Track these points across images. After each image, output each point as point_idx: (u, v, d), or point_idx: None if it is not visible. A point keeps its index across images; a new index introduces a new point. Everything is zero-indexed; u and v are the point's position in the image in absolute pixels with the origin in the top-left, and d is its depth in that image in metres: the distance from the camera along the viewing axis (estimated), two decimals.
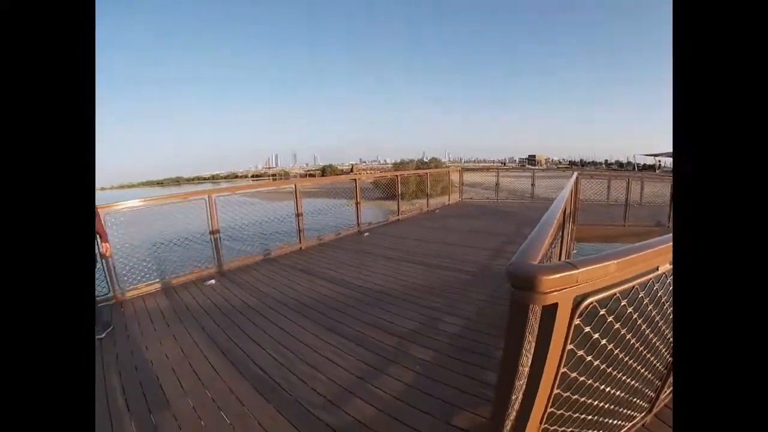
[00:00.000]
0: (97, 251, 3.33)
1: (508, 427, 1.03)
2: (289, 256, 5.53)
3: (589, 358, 1.05)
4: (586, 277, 0.82)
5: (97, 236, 3.29)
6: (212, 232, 4.87)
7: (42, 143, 0.59)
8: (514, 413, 1.01)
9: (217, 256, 4.90)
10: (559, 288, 0.79)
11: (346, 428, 1.90)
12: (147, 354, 2.84)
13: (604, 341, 1.06)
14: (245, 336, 2.99)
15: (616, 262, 0.86)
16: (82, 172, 0.63)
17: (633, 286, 0.98)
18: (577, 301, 0.87)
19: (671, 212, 6.82)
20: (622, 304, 0.99)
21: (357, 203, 7.10)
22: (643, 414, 1.64)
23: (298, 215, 5.91)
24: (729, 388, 0.64)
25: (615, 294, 0.94)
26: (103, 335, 3.14)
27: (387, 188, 8.97)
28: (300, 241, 5.97)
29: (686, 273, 0.73)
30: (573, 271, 0.79)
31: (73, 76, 0.63)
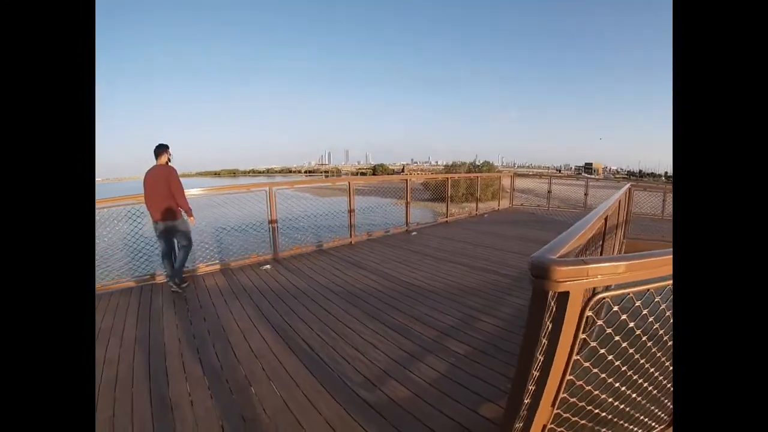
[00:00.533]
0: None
1: (524, 409, 1.17)
2: (340, 249, 5.83)
3: (602, 351, 1.17)
4: (596, 272, 0.95)
5: (183, 213, 3.96)
6: (270, 222, 5.26)
7: (42, 142, 0.59)
8: (530, 397, 1.15)
9: (274, 243, 5.30)
10: (571, 278, 0.93)
11: (381, 405, 2.09)
12: (205, 324, 3.22)
13: (617, 337, 1.17)
14: (295, 316, 3.29)
15: (626, 263, 0.98)
16: (82, 170, 0.63)
17: (648, 290, 1.09)
18: (589, 294, 1.00)
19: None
20: (637, 304, 1.10)
21: (407, 203, 7.29)
22: (662, 426, 1.66)
23: (350, 211, 6.20)
24: (730, 395, 0.64)
25: (629, 294, 1.05)
26: (185, 287, 4.06)
27: (437, 190, 9.10)
28: (351, 236, 6.26)
29: (686, 274, 0.77)
30: (583, 266, 0.93)
31: (73, 76, 0.62)
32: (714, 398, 0.66)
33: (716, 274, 0.67)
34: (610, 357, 1.24)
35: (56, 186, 0.60)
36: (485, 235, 6.86)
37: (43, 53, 0.59)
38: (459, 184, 14.90)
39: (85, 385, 0.62)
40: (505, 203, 11.25)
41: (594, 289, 1.05)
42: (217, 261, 5.00)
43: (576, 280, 0.93)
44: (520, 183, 12.30)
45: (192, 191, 4.63)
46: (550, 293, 0.96)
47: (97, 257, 4.48)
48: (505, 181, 11.84)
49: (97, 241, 4.44)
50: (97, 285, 4.36)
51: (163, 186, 3.78)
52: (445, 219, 8.53)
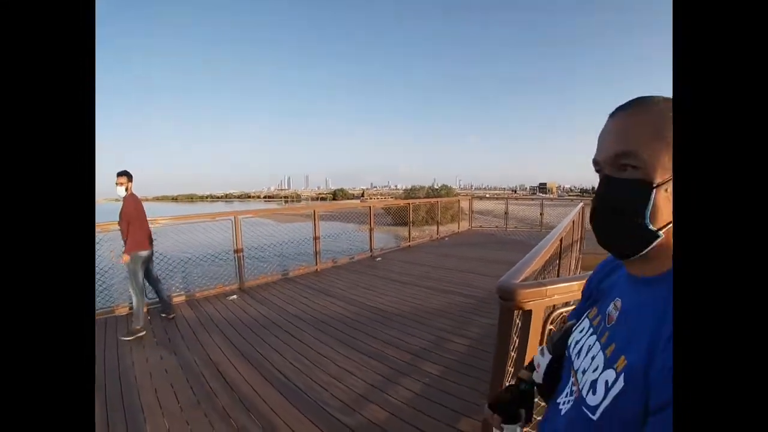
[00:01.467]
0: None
1: None
2: (306, 277, 5.85)
3: None
4: (553, 292, 1.12)
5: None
6: (236, 251, 5.23)
7: (42, 143, 0.59)
8: None
9: (240, 273, 5.26)
10: (533, 299, 1.10)
11: (362, 428, 2.16)
12: (175, 359, 3.17)
13: None
14: (267, 346, 3.29)
15: (578, 283, 1.16)
16: (82, 173, 0.62)
17: None
18: (549, 311, 1.17)
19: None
20: None
21: (371, 229, 7.44)
22: None
23: (315, 238, 6.26)
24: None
25: None
26: (173, 316, 4.09)
27: (398, 215, 9.31)
28: (316, 263, 6.29)
29: (687, 277, 0.68)
30: (542, 287, 1.10)
31: (73, 76, 0.61)
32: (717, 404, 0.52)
33: (721, 276, 0.55)
34: None
35: (56, 187, 0.60)
36: (447, 258, 7.10)
37: (43, 53, 0.58)
38: (419, 208, 15.26)
39: (85, 388, 0.60)
40: (464, 225, 11.65)
41: (554, 305, 1.22)
42: (182, 291, 4.93)
43: (537, 300, 1.10)
44: (478, 205, 12.80)
45: (160, 221, 4.69)
46: (516, 312, 1.13)
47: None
48: (464, 204, 12.30)
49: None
50: None
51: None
52: (408, 243, 8.73)
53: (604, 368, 0.55)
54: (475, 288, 4.95)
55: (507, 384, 1.22)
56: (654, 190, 0.52)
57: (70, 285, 0.60)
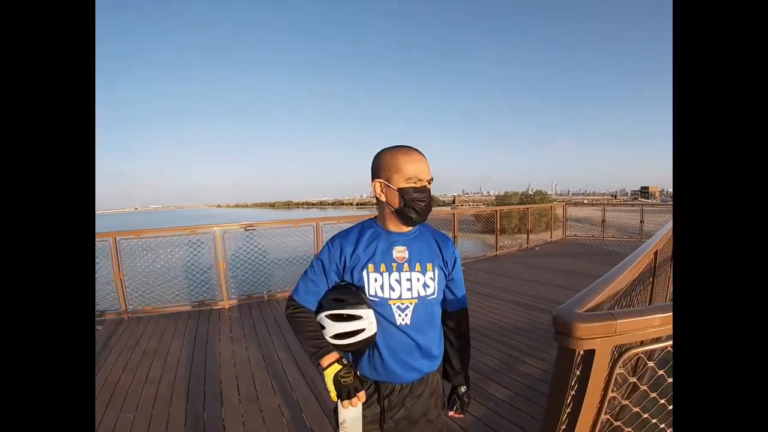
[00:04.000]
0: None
1: None
2: None
3: (636, 409, 1.05)
4: (626, 328, 0.87)
5: None
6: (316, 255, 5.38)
7: (42, 144, 0.59)
8: None
9: None
10: (597, 335, 0.86)
11: None
12: (246, 353, 3.37)
13: (653, 395, 1.05)
14: None
15: (661, 316, 0.89)
16: (82, 173, 0.63)
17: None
18: (619, 351, 0.92)
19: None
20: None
21: (455, 237, 7.18)
22: None
23: None
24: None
25: (666, 347, 0.95)
26: None
27: (489, 222, 8.85)
28: None
29: (687, 280, 0.71)
30: (611, 321, 0.86)
31: (73, 76, 0.62)
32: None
33: (720, 275, 0.63)
34: (646, 415, 1.11)
35: (56, 188, 0.60)
36: (535, 270, 6.58)
37: (43, 53, 0.59)
38: (511, 216, 14.59)
39: (85, 388, 0.61)
40: (557, 234, 10.78)
41: (626, 344, 0.96)
42: (264, 292, 5.29)
43: (603, 337, 0.86)
44: (573, 212, 11.78)
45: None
46: (576, 351, 0.89)
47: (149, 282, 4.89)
48: (558, 211, 11.43)
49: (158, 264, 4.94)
50: (147, 307, 4.74)
51: None
52: (495, 253, 8.28)
53: (425, 274, 1.13)
54: (559, 304, 4.43)
55: None
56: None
57: (70, 284, 0.60)
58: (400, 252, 1.12)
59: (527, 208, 10.96)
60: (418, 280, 1.12)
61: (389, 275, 1.10)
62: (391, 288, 1.10)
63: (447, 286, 1.22)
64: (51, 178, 0.60)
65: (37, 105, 0.59)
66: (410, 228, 1.16)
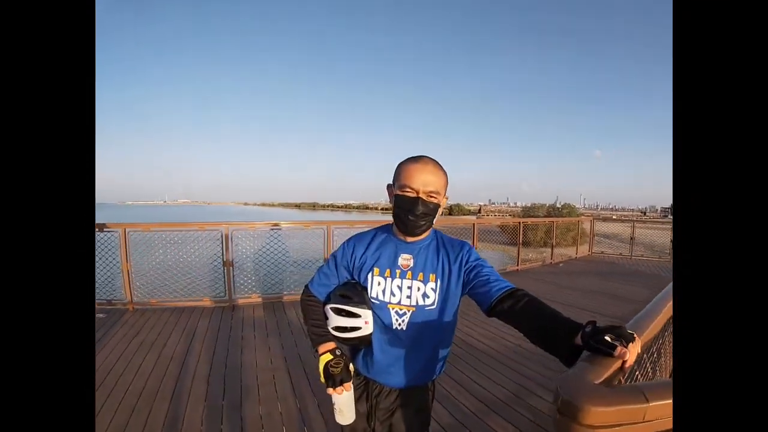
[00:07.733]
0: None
1: None
2: None
3: None
4: (662, 413, 0.60)
5: None
6: (325, 259, 5.21)
7: (42, 143, 0.59)
8: None
9: None
10: (619, 423, 0.60)
11: None
12: (240, 356, 3.27)
13: None
14: None
15: None
16: (82, 172, 0.63)
17: None
18: None
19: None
20: None
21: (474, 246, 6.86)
22: None
23: None
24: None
25: None
26: None
27: (513, 233, 8.46)
28: None
29: (687, 282, 0.63)
30: (640, 404, 0.59)
31: (73, 76, 0.62)
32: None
33: (720, 274, 0.59)
34: None
35: (56, 188, 0.60)
36: (557, 289, 6.16)
37: (43, 53, 0.59)
38: (537, 228, 14.14)
39: (85, 388, 0.61)
40: (584, 249, 10.26)
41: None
42: (259, 293, 5.18)
43: (627, 425, 0.60)
44: (601, 227, 11.23)
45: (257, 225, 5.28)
46: None
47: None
48: (586, 225, 10.94)
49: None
50: (153, 300, 4.74)
51: None
52: (516, 267, 7.88)
53: (426, 284, 1.13)
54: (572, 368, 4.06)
55: None
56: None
57: (70, 284, 0.61)
58: (405, 260, 1.15)
59: (553, 221, 10.50)
60: (419, 289, 1.13)
61: (392, 280, 1.14)
62: (392, 293, 1.14)
63: (478, 279, 1.10)
64: (51, 168, 0.60)
65: (37, 104, 0.59)
66: (420, 237, 1.17)
